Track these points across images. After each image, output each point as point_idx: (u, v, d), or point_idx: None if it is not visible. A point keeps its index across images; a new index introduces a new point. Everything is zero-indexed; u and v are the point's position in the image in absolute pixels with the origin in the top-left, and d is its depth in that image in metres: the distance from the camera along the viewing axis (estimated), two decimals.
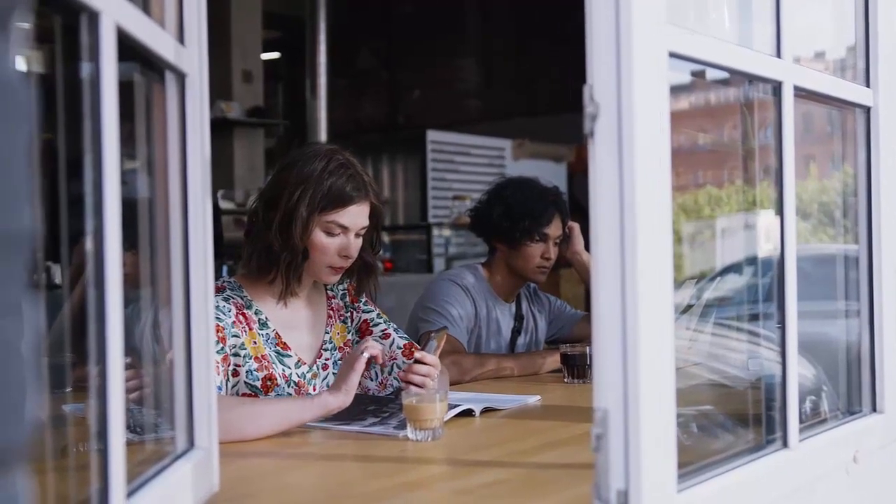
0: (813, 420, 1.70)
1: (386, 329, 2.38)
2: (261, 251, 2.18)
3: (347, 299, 2.40)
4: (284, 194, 2.14)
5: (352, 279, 2.35)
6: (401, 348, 2.33)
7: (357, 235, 2.21)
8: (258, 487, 1.58)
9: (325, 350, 2.31)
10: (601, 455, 1.17)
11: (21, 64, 0.58)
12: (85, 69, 1.00)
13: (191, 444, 1.36)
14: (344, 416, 2.02)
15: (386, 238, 7.55)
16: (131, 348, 1.15)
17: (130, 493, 1.09)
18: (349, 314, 2.39)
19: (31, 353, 0.58)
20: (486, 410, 2.17)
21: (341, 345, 2.35)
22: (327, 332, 2.33)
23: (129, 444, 1.07)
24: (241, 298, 2.20)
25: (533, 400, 2.33)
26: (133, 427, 1.36)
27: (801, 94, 1.57)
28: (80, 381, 1.30)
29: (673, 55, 1.23)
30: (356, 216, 2.18)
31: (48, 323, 1.59)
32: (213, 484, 1.41)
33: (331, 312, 2.36)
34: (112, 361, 1.01)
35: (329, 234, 2.17)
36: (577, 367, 2.64)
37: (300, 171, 2.15)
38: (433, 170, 7.93)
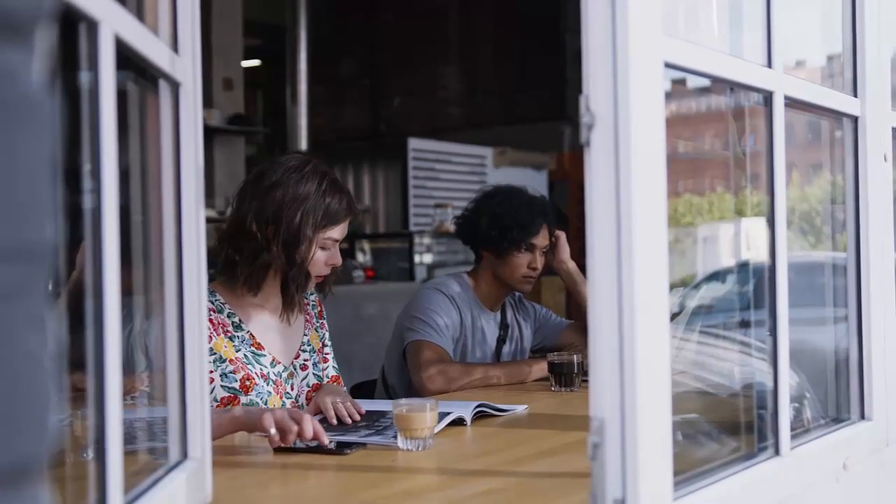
0: (798, 428, 1.71)
1: (328, 354, 2.49)
2: (260, 269, 2.23)
3: (316, 311, 2.49)
4: (283, 215, 2.20)
5: None
6: (328, 378, 2.41)
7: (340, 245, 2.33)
8: (250, 498, 1.58)
9: (304, 351, 2.38)
10: (598, 464, 1.17)
11: (44, 75, 0.58)
12: (83, 78, 0.99)
13: (184, 455, 1.35)
14: (338, 428, 2.02)
15: (367, 246, 7.54)
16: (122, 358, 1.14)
17: None
18: (319, 324, 2.49)
19: (53, 365, 0.58)
20: (479, 416, 2.17)
21: (318, 349, 2.43)
22: (305, 335, 2.40)
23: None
24: (212, 303, 2.22)
25: (521, 409, 2.33)
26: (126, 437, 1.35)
27: (790, 103, 1.58)
28: (71, 391, 1.30)
29: (668, 65, 1.24)
30: (345, 229, 2.31)
31: None
32: (207, 494, 1.40)
33: (307, 317, 2.43)
34: (110, 372, 1.00)
35: (323, 248, 2.27)
36: (565, 376, 2.64)
37: (295, 192, 2.21)
38: (414, 177, 7.93)
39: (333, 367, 2.48)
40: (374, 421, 2.11)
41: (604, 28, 1.15)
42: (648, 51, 1.18)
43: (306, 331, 2.41)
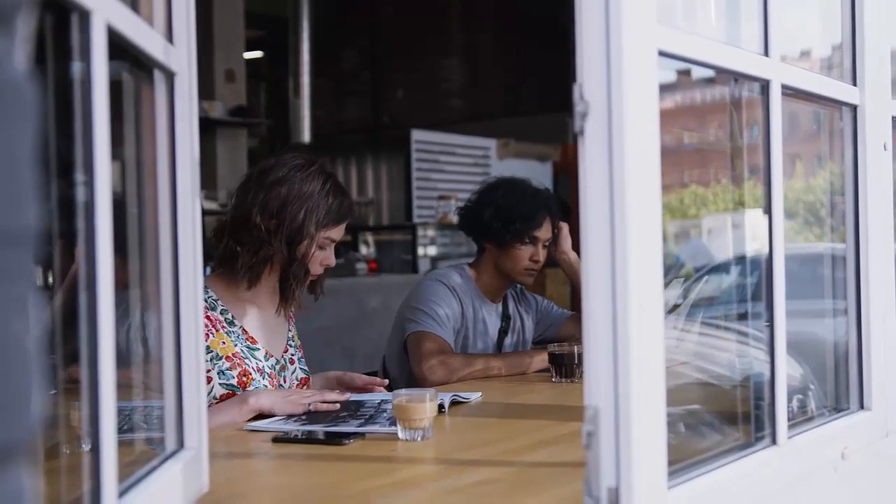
0: (800, 418, 1.71)
1: (300, 355, 2.49)
2: (261, 262, 2.25)
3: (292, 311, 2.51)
4: (287, 210, 2.23)
5: None
6: (298, 380, 2.42)
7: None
8: (248, 488, 1.58)
9: (291, 346, 2.43)
10: (592, 453, 1.17)
11: (26, 62, 0.58)
12: (75, 68, 0.99)
13: (180, 444, 1.36)
14: (327, 420, 2.02)
15: (370, 238, 7.55)
16: (118, 349, 1.15)
17: (121, 494, 1.08)
18: (295, 323, 2.52)
19: (36, 350, 0.58)
20: (454, 403, 2.22)
21: (299, 345, 2.48)
22: (290, 330, 2.45)
23: (118, 444, 1.06)
24: (205, 300, 2.23)
25: (476, 396, 2.35)
26: (122, 427, 1.35)
27: (789, 92, 1.58)
28: (68, 383, 1.30)
29: (663, 54, 1.23)
30: (342, 230, 2.35)
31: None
32: (203, 484, 1.40)
33: (291, 315, 2.47)
34: (103, 362, 1.00)
35: (320, 248, 2.30)
36: (565, 367, 2.64)
37: (300, 189, 2.25)
38: (418, 170, 7.92)
39: (302, 369, 2.50)
40: (355, 411, 2.11)
41: (597, 16, 1.15)
42: (642, 39, 1.18)
43: (290, 327, 2.46)
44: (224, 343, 2.23)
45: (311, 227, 2.25)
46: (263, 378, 2.26)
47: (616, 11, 1.14)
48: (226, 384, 2.19)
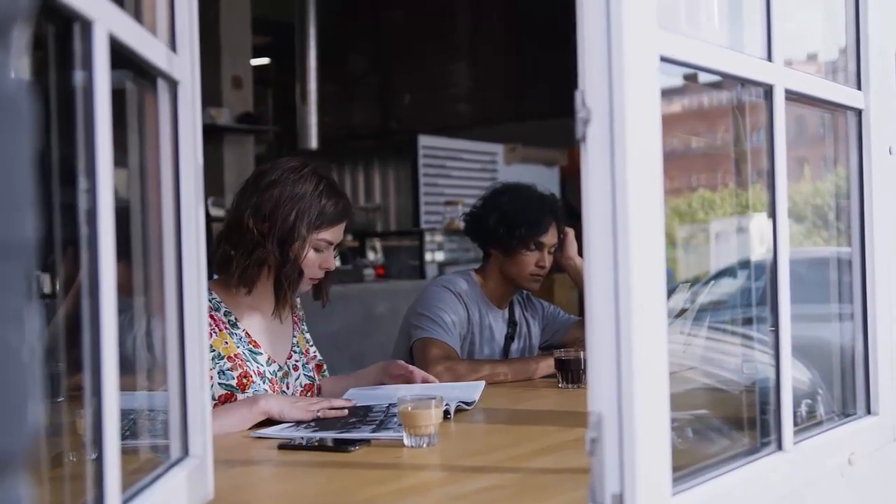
0: (808, 424, 1.70)
1: (305, 361, 2.47)
2: (254, 265, 2.25)
3: (302, 315, 2.53)
4: (279, 212, 2.24)
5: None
6: (301, 387, 2.42)
7: (335, 249, 2.36)
8: (252, 495, 1.58)
9: (295, 352, 2.42)
10: (596, 459, 1.17)
11: (22, 73, 0.58)
12: (77, 77, 0.99)
13: (185, 452, 1.36)
14: (337, 426, 2.02)
15: (378, 244, 7.55)
16: (124, 357, 1.15)
17: (125, 502, 1.09)
18: (304, 326, 2.52)
19: (32, 360, 0.58)
20: (459, 410, 2.21)
21: (305, 350, 2.47)
22: (294, 336, 2.44)
23: (123, 451, 1.07)
24: (210, 301, 2.24)
25: (479, 387, 2.38)
26: (125, 433, 1.35)
27: (793, 97, 1.57)
28: (74, 390, 1.31)
29: (664, 59, 1.23)
30: (341, 232, 2.34)
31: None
32: (208, 492, 1.41)
33: (296, 320, 2.48)
34: (106, 370, 1.00)
35: (317, 250, 2.30)
36: (571, 372, 2.63)
37: (292, 190, 2.26)
38: (425, 175, 7.93)
39: (308, 374, 2.49)
40: (364, 416, 2.11)
41: (598, 22, 1.15)
42: (643, 45, 1.18)
43: (295, 332, 2.45)
44: (227, 343, 2.24)
45: (302, 229, 2.25)
46: (264, 382, 2.26)
47: (617, 16, 1.14)
48: (225, 384, 2.20)
